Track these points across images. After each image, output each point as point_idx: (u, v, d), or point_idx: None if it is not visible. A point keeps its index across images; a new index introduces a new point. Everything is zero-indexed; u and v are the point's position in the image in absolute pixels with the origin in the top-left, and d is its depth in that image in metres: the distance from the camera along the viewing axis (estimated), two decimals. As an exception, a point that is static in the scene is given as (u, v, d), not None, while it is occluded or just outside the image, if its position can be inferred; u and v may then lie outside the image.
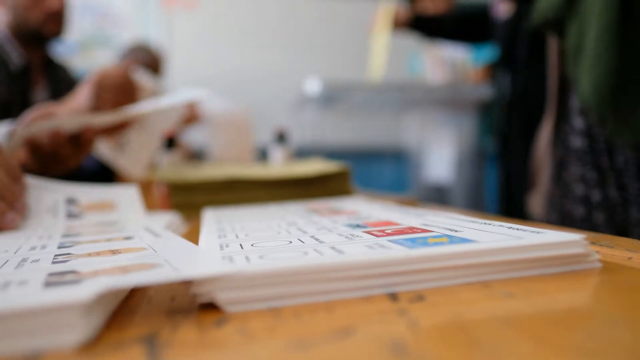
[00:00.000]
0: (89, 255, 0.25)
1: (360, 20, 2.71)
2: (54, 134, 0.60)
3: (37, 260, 0.25)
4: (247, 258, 0.22)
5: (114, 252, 0.26)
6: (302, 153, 2.28)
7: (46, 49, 1.10)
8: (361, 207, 0.43)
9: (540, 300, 0.18)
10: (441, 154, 1.95)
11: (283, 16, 2.64)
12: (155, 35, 2.42)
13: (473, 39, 1.53)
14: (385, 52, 1.72)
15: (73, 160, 0.66)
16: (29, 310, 0.16)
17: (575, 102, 0.67)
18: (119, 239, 0.31)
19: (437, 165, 1.98)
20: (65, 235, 0.35)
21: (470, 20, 1.50)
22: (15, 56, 1.03)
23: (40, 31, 1.03)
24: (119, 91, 0.67)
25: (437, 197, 2.01)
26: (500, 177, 1.38)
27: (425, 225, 0.29)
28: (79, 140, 0.64)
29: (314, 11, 2.67)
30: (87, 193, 0.47)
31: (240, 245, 0.26)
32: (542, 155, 0.89)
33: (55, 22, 1.04)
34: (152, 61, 1.82)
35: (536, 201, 0.97)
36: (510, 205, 1.31)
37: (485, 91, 1.81)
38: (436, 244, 0.22)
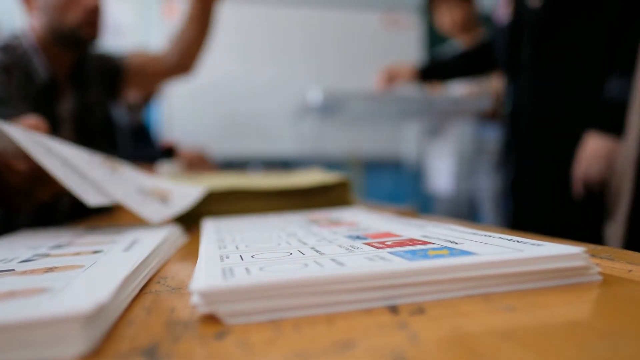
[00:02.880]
0: (24, 273, 0.25)
1: (361, 31, 2.73)
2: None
3: None
4: (247, 270, 0.22)
5: (49, 269, 0.26)
6: (302, 163, 2.28)
7: (73, 56, 1.04)
8: (361, 217, 0.43)
9: (540, 314, 0.18)
10: (440, 165, 1.96)
11: (282, 27, 2.66)
12: (155, 44, 2.43)
13: (480, 71, 1.55)
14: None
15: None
16: (29, 322, 0.16)
17: None
18: (87, 253, 0.31)
19: (436, 175, 1.99)
20: (54, 247, 0.35)
21: (475, 55, 1.51)
22: (42, 69, 0.98)
23: (77, 34, 0.98)
24: None
25: (438, 207, 2.01)
26: (505, 189, 1.32)
27: (425, 237, 0.29)
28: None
29: (315, 22, 2.69)
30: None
31: (241, 256, 0.26)
32: (621, 176, 0.81)
33: (91, 23, 0.99)
34: None
35: (614, 231, 0.89)
36: (518, 218, 1.25)
37: (484, 101, 1.81)
38: (436, 256, 0.22)
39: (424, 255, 0.23)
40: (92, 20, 0.99)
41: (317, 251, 0.26)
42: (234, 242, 0.32)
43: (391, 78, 1.63)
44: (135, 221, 0.57)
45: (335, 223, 0.40)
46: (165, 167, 0.83)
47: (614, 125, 0.95)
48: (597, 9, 1.05)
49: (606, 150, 0.97)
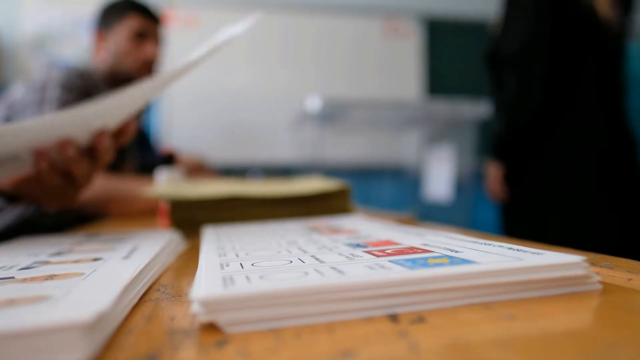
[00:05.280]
0: (24, 280, 0.25)
1: (361, 39, 2.74)
2: (63, 144, 0.46)
3: None
4: (247, 278, 0.22)
5: (49, 277, 0.26)
6: (302, 170, 2.29)
7: None
8: (361, 225, 0.43)
9: (541, 322, 0.18)
10: (440, 172, 1.96)
11: (283, 34, 2.67)
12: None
13: None
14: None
15: (84, 186, 0.52)
16: (29, 330, 0.16)
17: None
18: (87, 260, 0.31)
19: (436, 183, 1.99)
20: (54, 254, 0.34)
21: None
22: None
23: (133, 76, 1.16)
24: None
25: (437, 215, 2.01)
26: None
27: (425, 245, 0.29)
28: (93, 152, 0.50)
29: (314, 29, 2.70)
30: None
31: (241, 264, 0.26)
32: None
33: (147, 69, 1.18)
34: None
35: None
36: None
37: (483, 109, 1.82)
38: (437, 264, 0.22)
39: (424, 263, 0.23)
40: (147, 68, 1.18)
41: (317, 259, 0.26)
42: (234, 250, 0.32)
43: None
44: (135, 228, 0.57)
45: (336, 231, 0.40)
46: (165, 174, 0.83)
47: (497, 153, 1.29)
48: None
49: (494, 172, 1.33)
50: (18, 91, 1.01)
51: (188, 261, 0.38)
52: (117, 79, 1.16)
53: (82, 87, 1.03)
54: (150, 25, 1.20)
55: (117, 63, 1.16)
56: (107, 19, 1.19)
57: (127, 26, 1.17)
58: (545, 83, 1.18)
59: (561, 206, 1.20)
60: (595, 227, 1.17)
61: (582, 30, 1.21)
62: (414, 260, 0.24)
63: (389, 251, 0.28)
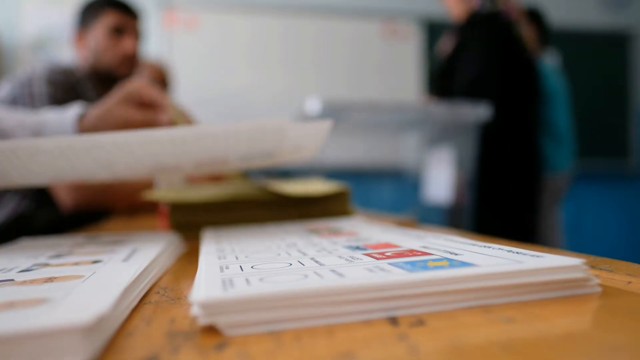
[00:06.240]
0: (23, 283, 0.25)
1: (360, 41, 2.75)
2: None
3: None
4: (247, 281, 0.22)
5: (48, 279, 0.26)
6: (302, 172, 2.29)
7: (110, 88, 1.24)
8: (361, 228, 0.43)
9: (540, 325, 0.18)
10: (440, 175, 1.96)
11: (283, 37, 2.67)
12: (155, 55, 2.44)
13: None
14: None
15: None
16: (29, 333, 0.16)
17: None
18: (86, 263, 0.31)
19: (436, 185, 1.99)
20: (53, 256, 0.34)
21: None
22: (92, 95, 1.14)
23: (114, 71, 1.19)
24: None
25: (437, 217, 2.01)
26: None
27: (425, 247, 0.29)
28: None
29: (314, 32, 2.71)
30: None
31: (240, 267, 0.26)
32: None
33: (127, 64, 1.21)
34: (158, 76, 1.84)
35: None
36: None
37: (483, 112, 1.81)
38: (436, 267, 0.22)
39: (424, 266, 0.23)
40: (127, 62, 1.20)
41: (316, 262, 0.26)
42: (234, 253, 0.32)
43: None
44: (135, 230, 0.57)
45: (335, 233, 0.40)
46: (165, 177, 0.83)
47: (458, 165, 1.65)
48: None
49: (459, 180, 1.69)
50: (3, 89, 1.02)
51: (188, 264, 0.38)
52: (99, 75, 1.18)
53: (66, 82, 1.05)
54: (127, 20, 1.22)
55: (97, 60, 1.18)
56: (85, 17, 1.21)
57: (104, 23, 1.18)
58: (496, 106, 1.51)
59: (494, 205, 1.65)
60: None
61: (519, 62, 1.58)
62: (413, 263, 0.24)
63: (388, 254, 0.28)
